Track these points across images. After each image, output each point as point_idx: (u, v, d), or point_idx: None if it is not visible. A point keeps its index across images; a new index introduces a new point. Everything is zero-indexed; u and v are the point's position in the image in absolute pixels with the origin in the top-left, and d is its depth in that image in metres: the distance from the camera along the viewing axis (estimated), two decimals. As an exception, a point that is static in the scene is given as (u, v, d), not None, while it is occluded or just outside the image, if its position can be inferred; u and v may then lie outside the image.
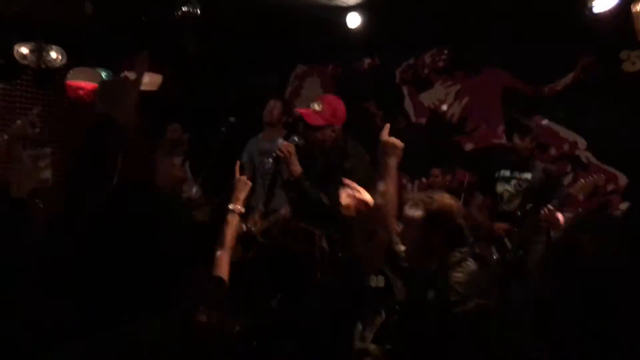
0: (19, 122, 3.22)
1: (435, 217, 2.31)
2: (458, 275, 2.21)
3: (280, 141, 3.64)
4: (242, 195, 2.68)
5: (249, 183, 2.78)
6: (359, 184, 3.01)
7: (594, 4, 3.69)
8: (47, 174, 2.62)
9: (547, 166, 4.56)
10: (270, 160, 4.76)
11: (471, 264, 2.27)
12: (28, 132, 3.20)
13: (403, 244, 2.40)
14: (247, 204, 5.23)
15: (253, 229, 4.89)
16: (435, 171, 5.52)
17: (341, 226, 2.48)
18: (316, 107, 3.35)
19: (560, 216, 4.07)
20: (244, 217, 5.27)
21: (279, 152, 3.40)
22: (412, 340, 2.12)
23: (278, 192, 4.81)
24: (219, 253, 2.35)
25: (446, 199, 2.38)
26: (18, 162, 2.51)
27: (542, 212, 4.07)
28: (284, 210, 4.56)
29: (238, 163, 2.92)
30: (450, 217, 2.31)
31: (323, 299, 2.07)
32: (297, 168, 3.33)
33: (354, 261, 2.22)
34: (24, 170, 2.49)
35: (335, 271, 2.18)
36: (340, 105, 3.47)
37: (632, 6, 3.22)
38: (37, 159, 2.54)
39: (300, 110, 3.44)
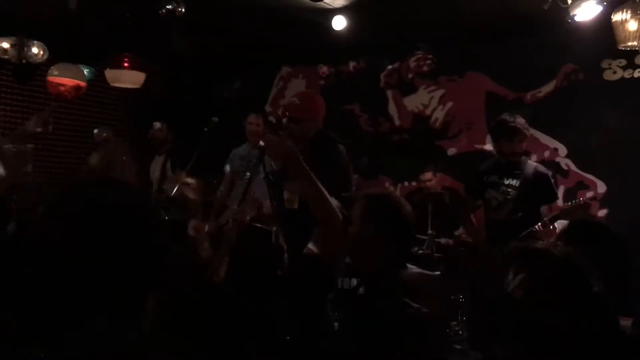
0: (31, 120, 3.20)
1: (374, 213, 2.20)
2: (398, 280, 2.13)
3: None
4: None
5: (261, 201, 2.86)
6: (340, 176, 3.28)
7: (575, 13, 3.71)
8: (27, 168, 2.61)
9: (538, 166, 4.32)
10: (254, 159, 4.81)
11: (412, 268, 2.21)
12: (41, 129, 3.18)
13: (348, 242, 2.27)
14: (223, 204, 5.32)
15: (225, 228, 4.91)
16: (428, 174, 5.43)
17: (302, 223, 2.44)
18: (296, 101, 3.46)
19: (556, 225, 3.77)
20: (217, 216, 5.31)
21: (262, 143, 3.45)
22: (360, 340, 2.07)
23: (255, 193, 4.86)
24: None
25: (391, 194, 2.32)
26: (0, 158, 2.48)
27: (537, 227, 3.80)
28: (262, 204, 4.58)
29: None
30: (391, 212, 2.18)
31: (286, 296, 2.06)
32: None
33: (315, 258, 2.20)
34: (6, 165, 2.46)
35: (297, 268, 2.16)
36: (318, 100, 3.56)
37: (612, 16, 3.26)
38: (19, 155, 2.52)
39: (282, 104, 3.52)
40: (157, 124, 5.71)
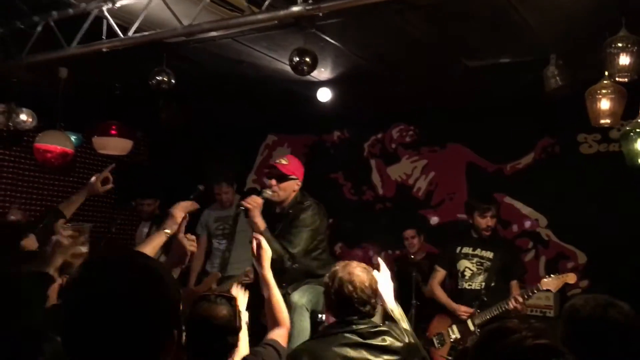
0: (92, 178, 3.22)
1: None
2: None
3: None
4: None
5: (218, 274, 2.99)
6: (311, 233, 3.62)
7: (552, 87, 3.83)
8: (84, 248, 2.56)
9: (508, 243, 4.49)
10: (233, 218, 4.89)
11: None
12: (101, 189, 3.20)
13: None
14: (204, 269, 5.31)
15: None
16: (410, 232, 5.45)
17: None
18: (283, 161, 3.76)
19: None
20: (199, 282, 5.29)
21: (246, 204, 3.56)
22: None
23: (234, 258, 4.87)
24: None
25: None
26: (56, 236, 2.48)
27: (510, 302, 4.03)
28: (247, 270, 4.58)
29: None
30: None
31: None
32: (260, 222, 3.52)
33: None
34: (60, 244, 2.46)
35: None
36: (300, 163, 3.89)
37: (585, 95, 3.41)
38: (78, 234, 2.50)
39: (271, 162, 3.93)
40: (146, 200, 5.47)
